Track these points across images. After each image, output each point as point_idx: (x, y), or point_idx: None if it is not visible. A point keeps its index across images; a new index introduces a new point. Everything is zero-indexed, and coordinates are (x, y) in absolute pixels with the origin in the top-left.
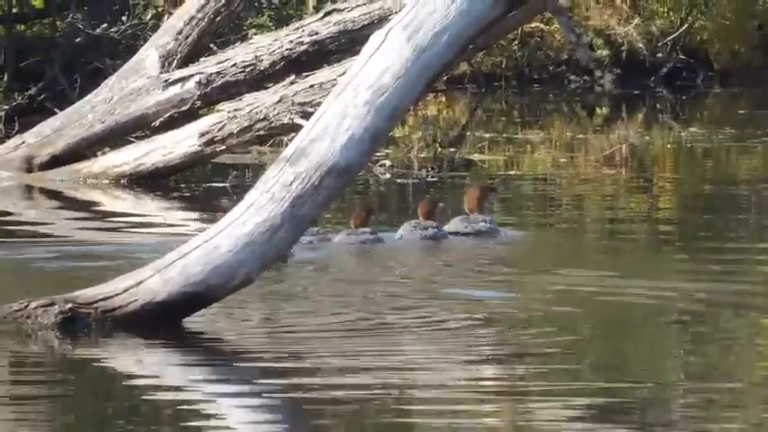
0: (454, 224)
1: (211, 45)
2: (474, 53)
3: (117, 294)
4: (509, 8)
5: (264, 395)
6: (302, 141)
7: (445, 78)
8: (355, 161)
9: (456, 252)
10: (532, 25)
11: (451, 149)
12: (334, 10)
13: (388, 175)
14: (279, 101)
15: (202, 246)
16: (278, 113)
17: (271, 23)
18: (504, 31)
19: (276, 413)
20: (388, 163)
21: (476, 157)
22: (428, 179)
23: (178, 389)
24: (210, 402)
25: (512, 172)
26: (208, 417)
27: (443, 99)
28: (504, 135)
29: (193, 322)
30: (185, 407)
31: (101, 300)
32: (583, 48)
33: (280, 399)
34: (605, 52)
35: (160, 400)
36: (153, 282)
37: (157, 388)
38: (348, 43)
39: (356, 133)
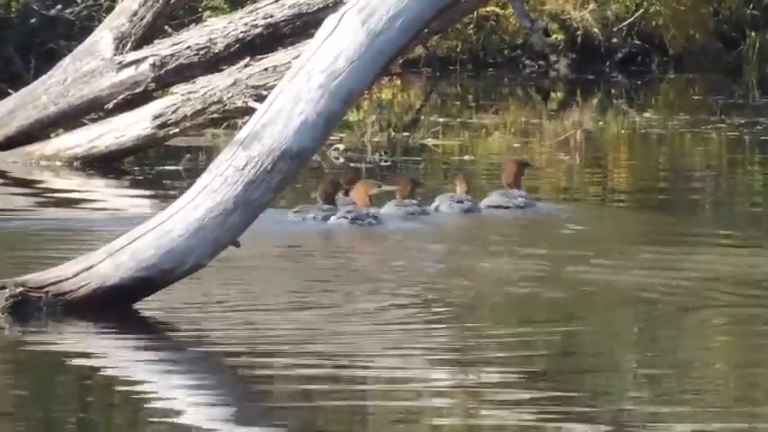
0: (494, 198)
1: (166, 27)
2: (429, 37)
3: (68, 278)
4: None
5: (212, 377)
6: (255, 125)
7: (400, 62)
8: (308, 145)
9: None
10: (488, 9)
11: (405, 134)
12: None
13: (341, 159)
14: (233, 84)
15: (154, 230)
16: (232, 96)
17: (226, 5)
18: (459, 14)
19: (224, 394)
20: (341, 147)
21: (429, 141)
22: (381, 163)
23: (127, 372)
24: (159, 384)
25: (466, 157)
26: (156, 399)
27: (399, 83)
28: (459, 119)
29: (146, 306)
30: (134, 389)
31: (52, 283)
32: (537, 33)
33: (228, 380)
34: (560, 37)
35: (108, 384)
36: (104, 266)
37: (106, 371)
38: (303, 26)
39: (309, 117)
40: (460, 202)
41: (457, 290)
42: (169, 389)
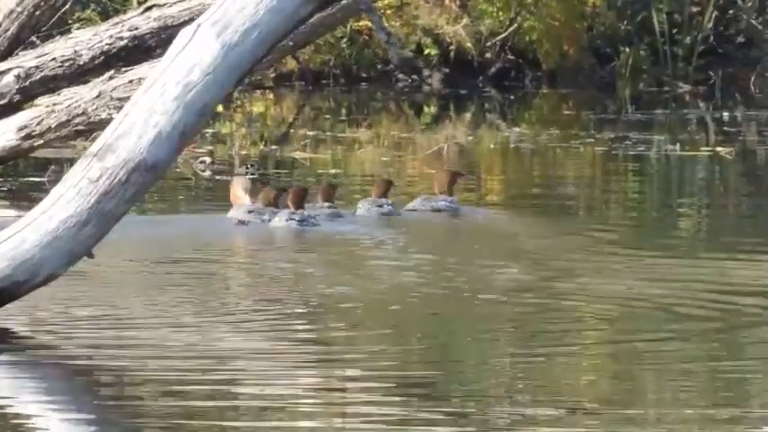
0: (416, 203)
1: (34, 39)
2: (294, 50)
3: None
4: (321, 6)
5: (64, 389)
6: (110, 137)
7: (273, 75)
8: (163, 158)
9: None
10: (360, 24)
11: (273, 147)
12: (154, 5)
13: (208, 172)
14: (98, 96)
15: (8, 240)
16: (96, 108)
17: (96, 17)
18: (324, 28)
19: (78, 408)
20: (208, 160)
21: (298, 155)
22: (248, 176)
23: None
24: (10, 399)
25: (333, 170)
26: (8, 413)
27: (271, 96)
28: (329, 133)
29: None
30: None
31: None
32: (394, 47)
33: (78, 393)
34: (434, 52)
35: None
36: None
37: None
38: (168, 39)
39: (164, 130)
40: (380, 206)
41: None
42: (21, 402)
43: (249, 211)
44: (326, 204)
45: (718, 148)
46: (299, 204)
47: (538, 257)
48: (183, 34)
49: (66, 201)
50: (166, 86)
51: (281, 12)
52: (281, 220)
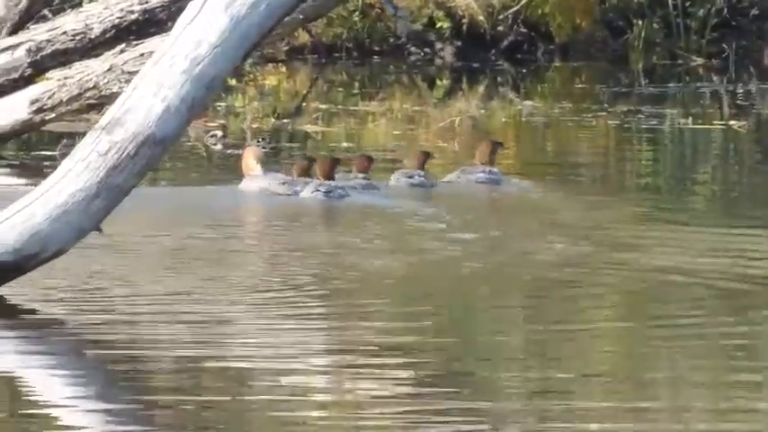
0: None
1: (47, 13)
2: (304, 23)
3: None
4: None
5: (75, 363)
6: (118, 111)
7: (286, 49)
8: (172, 131)
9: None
10: None
11: (286, 120)
12: None
13: (219, 146)
14: (109, 69)
15: (18, 214)
16: (108, 82)
17: None
18: (335, 1)
19: (91, 383)
20: (219, 133)
21: (310, 128)
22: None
23: None
24: (21, 371)
25: (345, 144)
26: (19, 386)
27: (284, 70)
28: (340, 106)
29: (10, 291)
30: None
31: None
32: (402, 20)
33: (90, 367)
34: (446, 25)
35: None
36: None
37: None
38: (178, 12)
39: (172, 104)
40: (411, 177)
41: None
42: (32, 376)
43: (282, 183)
44: (361, 176)
45: (732, 122)
46: (329, 175)
47: (581, 230)
48: (192, 7)
49: (76, 174)
50: (174, 60)
51: None
52: (308, 192)
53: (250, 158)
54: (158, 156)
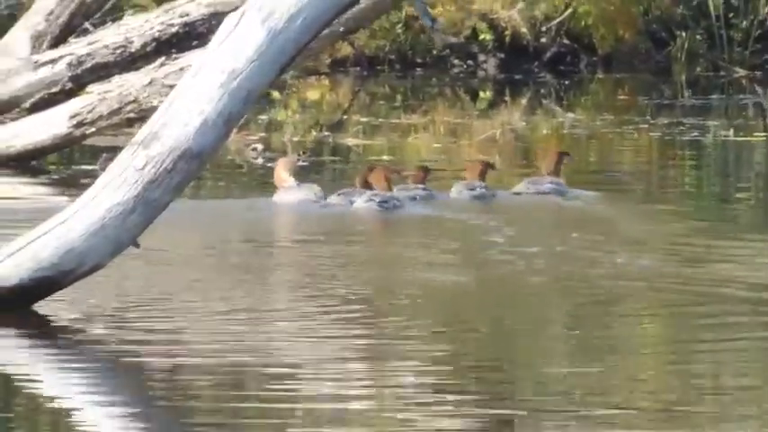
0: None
1: (88, 26)
2: (344, 36)
3: None
4: None
5: (111, 377)
6: (155, 125)
7: (328, 61)
8: (209, 145)
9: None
10: None
11: (327, 133)
12: None
13: (260, 160)
14: (149, 83)
15: (54, 229)
16: (148, 96)
17: (151, 3)
18: (375, 13)
19: (125, 397)
20: (260, 147)
21: (351, 141)
22: (298, 163)
23: (25, 371)
24: (59, 387)
25: (385, 157)
26: (55, 400)
27: (326, 82)
28: (382, 119)
29: (47, 307)
30: (32, 390)
31: None
32: (438, 32)
33: (130, 382)
34: (489, 37)
35: (4, 383)
36: (4, 266)
37: (4, 369)
38: (218, 25)
39: (210, 117)
40: (472, 188)
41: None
42: (69, 390)
43: (339, 194)
44: (420, 186)
45: None
46: (386, 185)
47: (646, 243)
48: (229, 21)
49: (113, 189)
50: (212, 74)
51: None
52: (361, 202)
53: (282, 170)
54: (195, 170)
